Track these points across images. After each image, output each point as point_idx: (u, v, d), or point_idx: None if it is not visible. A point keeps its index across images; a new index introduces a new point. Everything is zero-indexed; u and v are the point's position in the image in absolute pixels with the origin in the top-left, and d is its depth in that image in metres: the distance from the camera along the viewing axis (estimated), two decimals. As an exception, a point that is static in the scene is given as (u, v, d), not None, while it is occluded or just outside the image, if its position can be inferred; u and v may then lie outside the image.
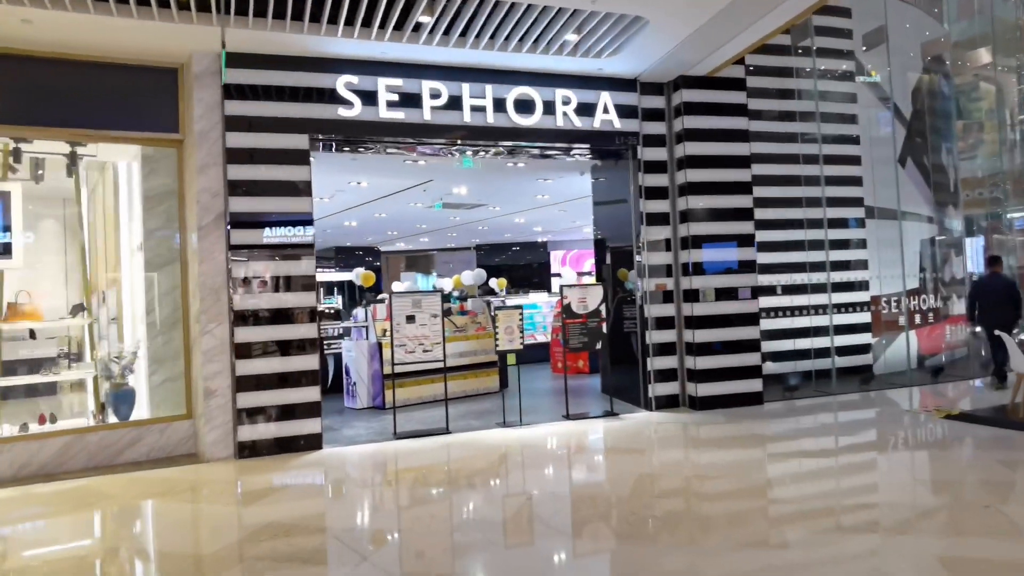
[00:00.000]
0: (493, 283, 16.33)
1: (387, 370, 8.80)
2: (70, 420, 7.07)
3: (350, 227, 17.05)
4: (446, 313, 10.30)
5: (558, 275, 23.89)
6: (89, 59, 6.61)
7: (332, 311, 14.95)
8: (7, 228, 6.73)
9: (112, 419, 7.01)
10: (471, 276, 12.47)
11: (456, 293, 16.66)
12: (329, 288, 20.13)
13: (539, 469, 6.18)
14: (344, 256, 24.67)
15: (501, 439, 7.04)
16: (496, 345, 7.74)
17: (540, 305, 15.22)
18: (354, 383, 9.52)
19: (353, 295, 21.97)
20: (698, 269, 8.08)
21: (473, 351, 10.01)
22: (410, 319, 7.36)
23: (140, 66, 6.82)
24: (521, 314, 7.78)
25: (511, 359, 8.24)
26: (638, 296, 8.25)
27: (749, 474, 5.68)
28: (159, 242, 7.29)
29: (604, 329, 8.01)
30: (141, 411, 7.22)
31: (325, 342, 11.46)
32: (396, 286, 15.35)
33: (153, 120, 6.94)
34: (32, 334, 7.48)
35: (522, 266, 25.32)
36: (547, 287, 22.00)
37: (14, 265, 6.79)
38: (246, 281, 6.75)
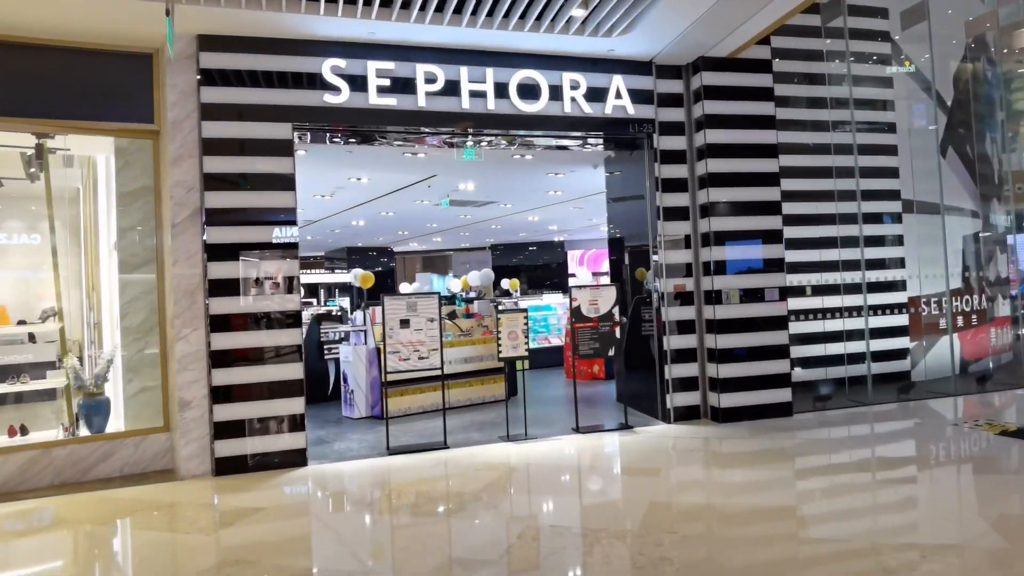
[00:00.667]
0: (506, 283, 15.74)
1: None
2: (44, 432, 6.61)
3: (358, 227, 16.55)
4: (450, 316, 9.72)
5: (575, 276, 23.23)
6: (55, 44, 6.11)
7: (338, 312, 14.46)
8: (-32, 227, 6.25)
9: (84, 431, 6.51)
10: (478, 276, 11.87)
11: (472, 294, 16.09)
12: (339, 289, 19.68)
13: (540, 494, 5.55)
14: (357, 257, 24.19)
15: (503, 455, 6.42)
16: (499, 351, 7.12)
17: (555, 307, 14.60)
18: (352, 391, 8.97)
19: (363, 297, 21.58)
20: (721, 268, 7.40)
21: (480, 356, 9.41)
22: (404, 323, 6.77)
23: (111, 51, 6.30)
24: (526, 317, 7.16)
25: (521, 364, 7.62)
26: (655, 298, 7.59)
27: (776, 501, 5.00)
28: (134, 241, 6.79)
29: (617, 334, 7.35)
30: (117, 423, 6.72)
31: (327, 346, 10.95)
32: (404, 287, 14.81)
33: (126, 109, 6.43)
34: (31, 338, 7.06)
35: (539, 266, 24.66)
36: (564, 288, 21.36)
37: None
38: (223, 283, 6.21)
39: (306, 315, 11.49)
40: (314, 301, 18.89)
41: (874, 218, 8.99)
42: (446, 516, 5.03)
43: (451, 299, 9.99)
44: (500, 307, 9.09)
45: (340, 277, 18.24)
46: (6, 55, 6.01)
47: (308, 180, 10.15)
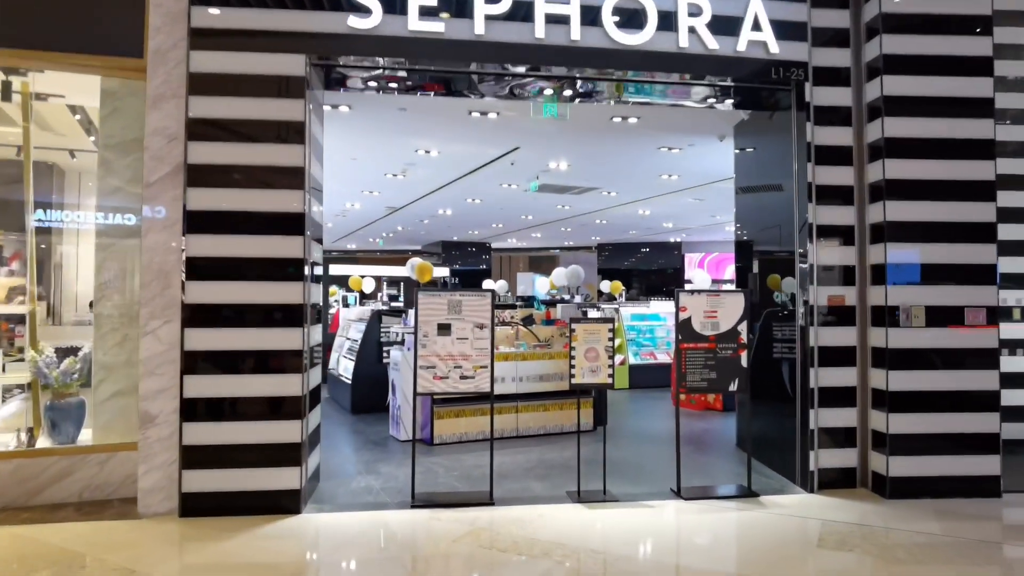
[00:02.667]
0: (606, 286, 13.85)
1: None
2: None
3: (447, 217, 15.18)
4: (526, 322, 7.99)
5: (691, 281, 20.88)
6: (21, -49, 4.93)
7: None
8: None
9: (45, 442, 5.31)
10: (565, 274, 10.07)
11: (579, 297, 14.28)
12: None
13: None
14: (457, 253, 23.01)
15: (565, 530, 4.59)
16: (571, 375, 5.31)
17: (663, 316, 12.55)
18: (399, 406, 7.43)
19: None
20: (898, 275, 5.23)
21: (559, 374, 7.63)
22: (443, 329, 5.10)
23: (93, -37, 5.06)
24: (612, 330, 5.30)
25: (620, 380, 5.78)
26: (800, 314, 5.51)
27: None
28: (118, 208, 5.52)
29: (744, 362, 5.34)
30: (85, 434, 5.48)
31: (387, 348, 9.52)
32: (488, 284, 13.21)
33: (112, 39, 5.16)
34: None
35: (653, 271, 22.48)
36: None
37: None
38: (206, 263, 4.78)
39: (366, 310, 10.17)
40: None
41: None
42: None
43: (528, 301, 8.25)
44: (585, 313, 7.27)
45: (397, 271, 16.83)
46: (-40, -36, 4.88)
47: (371, 153, 8.78)
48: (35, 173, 5.59)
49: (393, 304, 11.42)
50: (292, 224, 4.85)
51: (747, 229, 6.93)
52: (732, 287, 7.89)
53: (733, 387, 5.36)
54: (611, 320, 5.35)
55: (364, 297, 13.39)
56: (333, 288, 14.58)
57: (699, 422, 8.41)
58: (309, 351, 4.96)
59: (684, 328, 5.36)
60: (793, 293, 5.62)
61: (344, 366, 9.83)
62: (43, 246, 5.95)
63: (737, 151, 7.28)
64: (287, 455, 4.79)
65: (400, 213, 14.78)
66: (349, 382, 9.25)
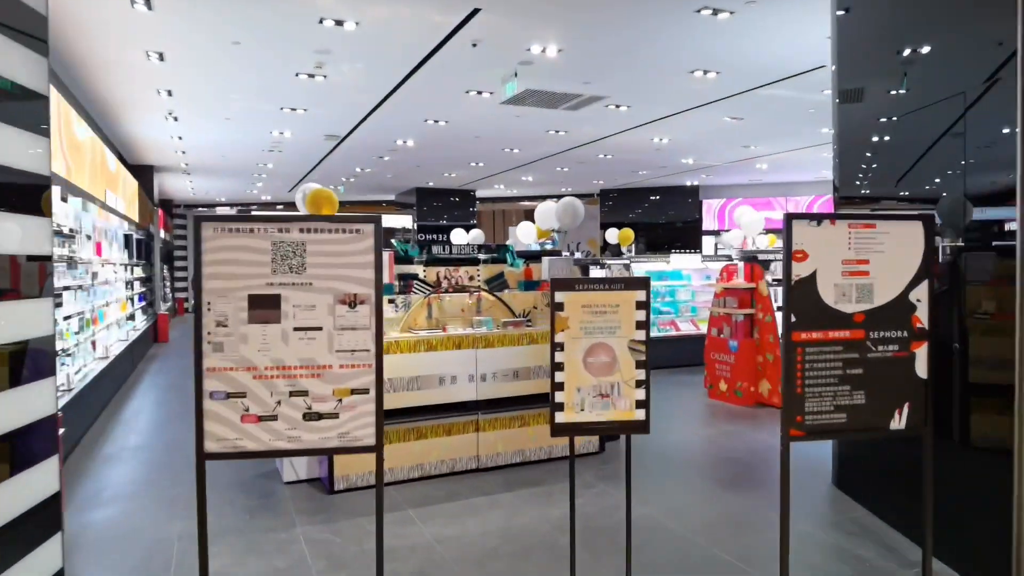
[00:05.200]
0: (612, 235, 11.10)
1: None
2: None
3: (408, 149, 12.26)
4: (495, 284, 5.25)
5: (715, 232, 18.07)
6: None
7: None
8: None
9: None
10: (556, 210, 7.24)
11: (582, 252, 11.44)
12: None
13: None
14: (437, 203, 19.98)
15: None
16: (554, 406, 2.55)
17: (687, 274, 9.82)
18: (285, 425, 4.69)
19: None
20: None
21: (546, 367, 4.89)
22: (263, 308, 2.32)
23: None
24: (643, 303, 2.53)
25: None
26: (1027, 263, 2.74)
27: None
28: None
29: (922, 370, 2.58)
30: None
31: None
32: (457, 236, 10.39)
33: None
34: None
35: (662, 225, 19.57)
36: (697, 248, 16.23)
37: None
38: None
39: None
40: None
41: None
42: None
43: (497, 255, 5.44)
44: (585, 271, 4.54)
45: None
46: None
47: (255, 29, 5.91)
48: None
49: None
50: None
51: (849, 159, 4.17)
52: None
53: (899, 423, 2.61)
54: (645, 283, 2.57)
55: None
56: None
57: (752, 430, 5.72)
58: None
59: (802, 297, 2.58)
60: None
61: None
62: None
63: (841, 12, 4.46)
64: None
65: (349, 145, 11.87)
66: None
